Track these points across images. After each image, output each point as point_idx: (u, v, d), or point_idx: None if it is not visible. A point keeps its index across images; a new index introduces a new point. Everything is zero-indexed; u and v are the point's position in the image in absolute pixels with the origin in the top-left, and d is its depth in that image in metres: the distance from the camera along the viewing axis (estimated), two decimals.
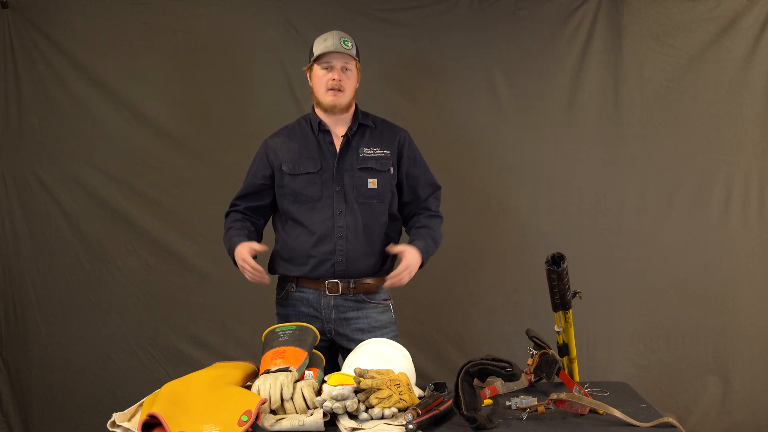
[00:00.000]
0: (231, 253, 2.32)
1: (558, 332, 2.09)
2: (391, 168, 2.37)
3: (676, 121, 3.11)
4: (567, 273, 1.98)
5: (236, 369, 1.95)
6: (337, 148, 2.35)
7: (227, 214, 2.45)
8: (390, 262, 2.41)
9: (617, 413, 1.69)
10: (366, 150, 2.36)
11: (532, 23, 3.09)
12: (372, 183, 2.33)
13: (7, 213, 3.09)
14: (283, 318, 2.39)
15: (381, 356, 1.93)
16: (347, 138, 2.36)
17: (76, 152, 3.07)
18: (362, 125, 2.40)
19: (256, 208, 2.44)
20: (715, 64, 3.09)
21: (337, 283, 2.31)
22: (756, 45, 3.07)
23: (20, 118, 3.07)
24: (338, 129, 2.38)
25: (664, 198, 3.12)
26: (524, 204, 3.13)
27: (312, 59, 2.34)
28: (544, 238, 3.07)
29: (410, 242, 2.35)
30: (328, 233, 2.30)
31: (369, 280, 2.35)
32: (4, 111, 3.07)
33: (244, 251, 2.25)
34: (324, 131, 2.37)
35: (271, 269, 2.43)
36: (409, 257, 2.29)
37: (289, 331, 2.01)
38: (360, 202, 2.33)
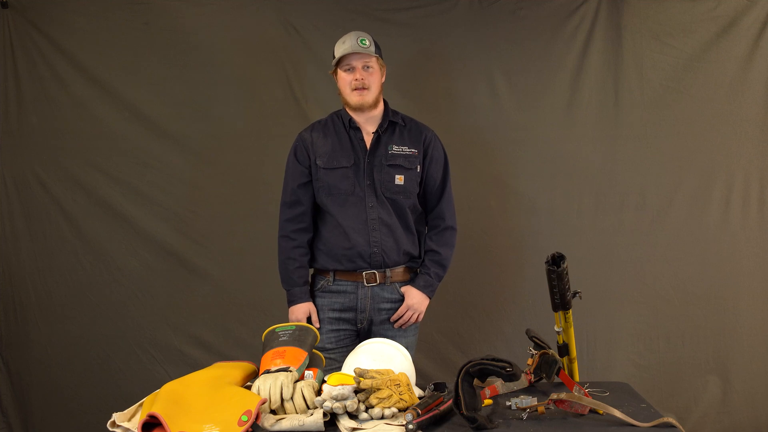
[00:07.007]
0: (289, 296, 2.46)
1: (558, 332, 2.10)
2: (419, 166, 2.45)
3: (676, 121, 3.10)
4: (567, 273, 1.98)
5: (236, 369, 1.95)
6: (368, 145, 2.42)
7: (283, 237, 2.46)
8: (422, 248, 2.51)
9: (617, 413, 1.69)
10: (395, 147, 2.44)
11: (532, 23, 3.09)
12: (399, 179, 2.41)
13: (7, 213, 3.08)
14: (320, 309, 2.45)
15: (381, 356, 1.93)
16: (378, 135, 2.43)
17: (76, 152, 3.07)
18: (392, 123, 2.47)
19: (305, 228, 2.45)
20: (715, 64, 3.08)
21: (375, 273, 2.39)
22: (756, 45, 3.07)
23: (20, 118, 3.06)
24: (368, 126, 2.45)
25: (664, 198, 3.11)
26: (524, 204, 3.12)
27: (334, 63, 2.41)
28: (544, 238, 3.07)
29: (414, 280, 2.47)
30: (363, 225, 2.37)
31: (404, 269, 2.46)
32: (4, 111, 3.06)
33: (301, 315, 2.42)
34: (354, 128, 2.44)
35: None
36: (410, 300, 2.43)
37: (289, 331, 2.00)
38: (387, 196, 2.40)
